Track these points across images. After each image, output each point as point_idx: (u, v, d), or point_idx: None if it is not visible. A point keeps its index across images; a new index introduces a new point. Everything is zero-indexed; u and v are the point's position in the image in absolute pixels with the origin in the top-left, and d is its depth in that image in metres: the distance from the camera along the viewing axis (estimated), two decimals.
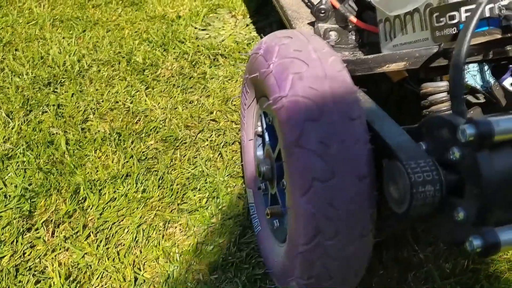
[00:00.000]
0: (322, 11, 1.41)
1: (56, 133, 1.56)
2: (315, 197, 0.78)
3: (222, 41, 2.11)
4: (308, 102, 0.80)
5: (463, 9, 0.94)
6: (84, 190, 1.35)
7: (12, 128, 1.59)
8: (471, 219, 0.69)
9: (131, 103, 1.71)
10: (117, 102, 1.72)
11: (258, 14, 2.30)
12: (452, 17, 0.96)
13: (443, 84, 1.06)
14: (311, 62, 0.85)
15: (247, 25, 2.24)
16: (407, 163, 0.73)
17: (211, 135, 1.58)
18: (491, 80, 1.02)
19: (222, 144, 1.53)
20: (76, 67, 1.89)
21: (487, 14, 0.92)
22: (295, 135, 0.80)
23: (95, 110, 1.68)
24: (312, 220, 0.78)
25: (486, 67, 1.02)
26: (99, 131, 1.58)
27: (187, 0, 2.45)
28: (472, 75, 1.02)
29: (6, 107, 1.68)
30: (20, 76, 1.84)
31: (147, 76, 1.85)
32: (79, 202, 1.33)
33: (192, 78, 1.85)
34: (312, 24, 1.48)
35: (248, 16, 2.32)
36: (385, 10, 1.15)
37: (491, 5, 0.92)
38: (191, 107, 1.70)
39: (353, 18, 1.38)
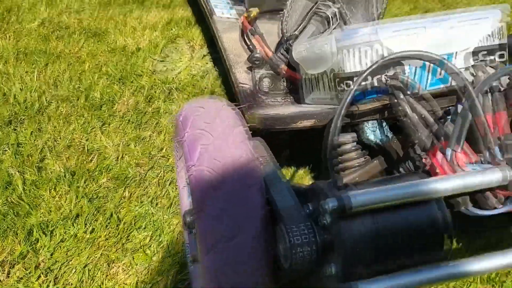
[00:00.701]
0: (257, 60, 1.53)
1: (14, 173, 1.66)
2: (217, 257, 0.90)
3: (179, 73, 2.22)
4: (211, 172, 0.93)
5: (355, 78, 1.08)
6: (37, 231, 1.46)
7: None
8: (338, 274, 0.83)
9: (86, 140, 1.82)
10: (73, 139, 1.83)
11: (214, 44, 2.41)
12: (348, 85, 1.10)
13: (350, 136, 1.20)
14: (217, 134, 0.97)
15: (204, 56, 2.36)
16: (289, 226, 0.86)
17: (160, 172, 1.69)
18: (389, 135, 1.15)
19: (169, 181, 1.65)
20: (36, 104, 1.99)
21: (376, 84, 1.05)
22: (200, 201, 0.92)
23: (52, 148, 1.78)
24: (214, 276, 0.90)
25: (384, 123, 1.16)
26: (54, 170, 1.69)
27: (148, 31, 2.57)
28: (372, 131, 1.15)
29: None
30: None
31: (104, 112, 1.96)
32: (32, 243, 1.44)
33: (146, 114, 1.96)
34: (250, 69, 1.60)
35: (205, 46, 2.44)
36: (304, 68, 1.28)
37: (378, 76, 1.05)
38: (143, 144, 1.81)
39: (283, 67, 1.51)
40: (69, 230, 1.47)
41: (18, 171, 1.67)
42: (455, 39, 1.09)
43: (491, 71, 1.10)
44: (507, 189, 0.93)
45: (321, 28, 1.48)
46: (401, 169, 1.13)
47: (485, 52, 1.11)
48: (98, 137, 1.83)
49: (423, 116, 1.02)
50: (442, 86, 1.10)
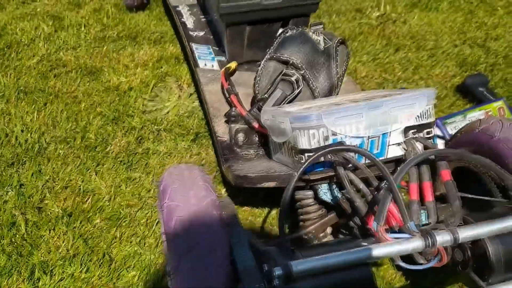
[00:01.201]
0: (232, 117, 1.74)
1: (17, 214, 1.86)
2: None
3: (167, 113, 2.43)
4: (184, 239, 1.13)
5: (306, 154, 1.28)
6: (38, 271, 1.66)
7: None
8: None
9: (82, 181, 2.02)
10: (70, 180, 2.03)
11: None
12: (300, 158, 1.31)
13: (310, 193, 1.41)
14: (190, 207, 1.18)
15: (191, 94, 2.56)
16: (247, 287, 1.07)
17: (148, 212, 1.90)
18: (339, 195, 1.36)
19: (156, 221, 1.86)
20: (36, 146, 2.19)
21: (322, 159, 1.26)
22: (174, 263, 1.13)
23: (51, 189, 1.99)
24: None
25: (334, 186, 1.36)
26: (53, 210, 1.89)
27: (139, 69, 2.77)
28: (324, 192, 1.36)
29: None
30: None
31: (98, 153, 2.17)
32: (35, 282, 1.64)
33: (136, 154, 2.16)
34: (227, 122, 1.81)
35: (192, 85, 2.64)
36: (270, 134, 1.49)
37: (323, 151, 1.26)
38: (133, 185, 2.02)
39: (255, 124, 1.72)
40: (67, 269, 1.67)
41: (21, 212, 1.87)
42: (389, 121, 1.30)
43: (418, 146, 1.31)
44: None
45: (288, 91, 1.66)
46: (351, 223, 1.34)
47: (415, 130, 1.33)
48: (93, 178, 2.03)
49: (360, 187, 1.23)
50: (379, 158, 1.30)
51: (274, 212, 1.90)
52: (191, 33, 2.39)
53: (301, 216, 1.46)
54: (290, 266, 1.01)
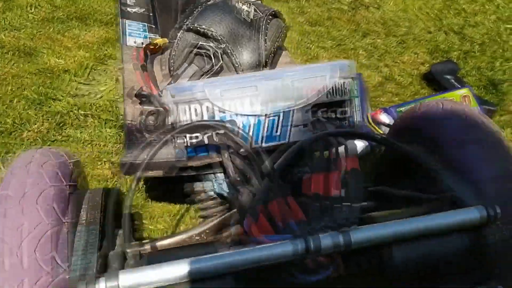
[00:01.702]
0: (143, 97, 1.48)
1: None
2: None
3: (100, 97, 2.20)
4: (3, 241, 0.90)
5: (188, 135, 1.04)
6: None
7: None
8: None
9: None
10: None
11: None
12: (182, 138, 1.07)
13: (202, 185, 1.17)
14: (16, 200, 0.94)
15: None
16: None
17: None
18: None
19: None
20: None
21: (206, 142, 1.03)
22: None
23: None
24: None
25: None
26: None
27: (81, 51, 2.55)
28: (219, 184, 1.13)
29: None
30: None
31: (12, 139, 1.94)
32: None
33: (54, 142, 1.94)
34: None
35: None
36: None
37: (209, 134, 1.02)
38: None
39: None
40: None
41: None
42: (292, 96, 1.06)
43: (330, 127, 1.07)
44: (331, 255, 0.90)
45: (205, 67, 1.44)
46: None
47: (325, 109, 1.08)
48: None
49: (247, 176, 1.00)
50: (279, 142, 1.07)
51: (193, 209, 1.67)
52: (128, 9, 2.15)
53: (201, 213, 1.23)
54: (116, 276, 0.78)
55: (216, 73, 1.43)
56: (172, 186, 1.67)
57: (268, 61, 1.51)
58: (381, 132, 1.84)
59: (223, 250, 0.89)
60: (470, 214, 0.95)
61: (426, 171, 1.06)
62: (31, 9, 2.99)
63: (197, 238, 1.16)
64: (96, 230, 0.97)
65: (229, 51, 1.43)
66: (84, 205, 1.06)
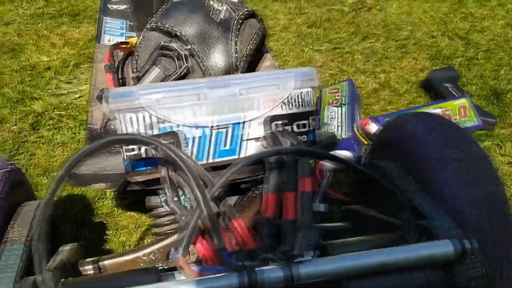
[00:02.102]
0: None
1: None
2: None
3: (79, 97, 2.11)
4: None
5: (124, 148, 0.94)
6: None
7: None
8: None
9: None
10: None
11: None
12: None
13: (156, 199, 1.07)
14: None
15: None
16: None
17: None
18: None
19: None
20: None
21: (144, 155, 0.92)
22: None
23: None
24: None
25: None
26: None
27: (66, 48, 2.46)
28: (163, 200, 1.03)
29: None
30: None
31: None
32: None
33: (25, 143, 1.85)
34: None
35: None
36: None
37: (146, 147, 0.91)
38: None
39: None
40: None
41: None
42: (242, 107, 0.95)
43: (285, 142, 0.95)
44: None
45: (169, 70, 1.32)
46: None
47: (280, 122, 0.96)
48: None
49: (188, 195, 0.88)
50: (228, 158, 0.95)
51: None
52: (109, 6, 2.04)
53: (153, 230, 1.13)
54: None
55: (182, 77, 1.31)
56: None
57: (240, 64, 1.37)
58: (368, 142, 1.72)
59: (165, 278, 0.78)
60: (441, 248, 0.82)
61: (392, 193, 0.94)
62: (23, 4, 2.92)
63: (145, 259, 1.05)
64: (20, 250, 0.87)
65: (195, 53, 1.32)
66: (13, 220, 0.97)
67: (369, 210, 1.05)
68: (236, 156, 0.95)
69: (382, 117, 1.75)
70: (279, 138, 0.94)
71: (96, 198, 1.61)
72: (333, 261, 0.79)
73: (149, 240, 1.48)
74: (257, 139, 0.96)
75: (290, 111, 0.96)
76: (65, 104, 2.04)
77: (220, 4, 1.41)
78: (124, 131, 0.93)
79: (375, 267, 0.80)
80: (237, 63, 1.36)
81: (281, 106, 0.96)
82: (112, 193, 1.65)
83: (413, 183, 1.01)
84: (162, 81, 1.32)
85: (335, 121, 1.79)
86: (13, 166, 1.06)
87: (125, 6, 2.05)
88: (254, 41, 1.42)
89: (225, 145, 0.95)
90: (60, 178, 0.77)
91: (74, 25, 2.71)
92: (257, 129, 0.96)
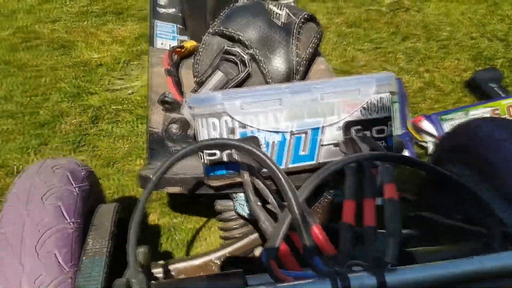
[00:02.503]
0: (167, 104, 1.36)
1: None
2: None
3: (132, 93, 2.18)
4: None
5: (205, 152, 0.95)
6: None
7: None
8: None
9: (19, 161, 1.79)
10: (7, 159, 1.80)
11: None
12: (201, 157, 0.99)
13: (231, 204, 1.09)
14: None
15: None
16: None
17: None
18: None
19: None
20: None
21: (225, 159, 0.93)
22: None
23: None
24: None
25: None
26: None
27: (115, 45, 2.53)
28: (240, 204, 1.05)
29: None
30: None
31: (45, 131, 1.94)
32: None
33: (87, 135, 1.92)
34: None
35: None
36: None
37: (228, 151, 0.92)
38: None
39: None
40: None
41: None
42: (321, 112, 0.94)
43: (364, 147, 0.94)
44: None
45: (231, 74, 1.31)
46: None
47: (359, 127, 0.96)
48: (31, 158, 1.80)
49: (269, 201, 0.88)
50: (306, 163, 0.95)
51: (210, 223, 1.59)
52: (159, 9, 2.04)
53: (221, 233, 1.15)
54: None
55: (243, 81, 1.31)
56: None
57: (301, 68, 1.36)
58: (422, 139, 1.77)
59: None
60: None
61: (476, 199, 0.97)
62: (67, 2, 3.01)
63: (216, 262, 1.08)
64: (102, 261, 0.89)
65: (257, 56, 1.30)
66: (92, 224, 0.99)
67: (442, 218, 1.05)
68: (314, 162, 0.96)
69: (435, 115, 1.79)
70: (358, 143, 0.94)
71: (160, 200, 1.66)
72: (425, 269, 0.78)
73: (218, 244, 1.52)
74: (335, 144, 0.96)
75: (369, 117, 0.96)
76: (120, 99, 2.11)
77: (279, 8, 1.40)
78: (206, 136, 0.92)
79: (467, 276, 0.78)
80: (298, 67, 1.36)
81: (361, 111, 0.95)
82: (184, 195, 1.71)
83: (490, 190, 0.99)
84: (224, 85, 1.31)
85: None
86: (89, 168, 1.10)
87: (173, 10, 2.05)
88: (313, 45, 1.40)
89: (303, 150, 0.96)
90: (152, 185, 0.79)
91: (119, 23, 2.79)
92: (335, 134, 0.96)
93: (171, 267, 1.05)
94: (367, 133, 0.96)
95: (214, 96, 0.91)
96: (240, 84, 1.28)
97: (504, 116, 1.83)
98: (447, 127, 1.77)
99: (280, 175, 0.80)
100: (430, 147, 1.74)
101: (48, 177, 0.96)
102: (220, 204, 1.11)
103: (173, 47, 1.52)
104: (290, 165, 0.94)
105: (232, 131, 0.92)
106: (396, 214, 0.83)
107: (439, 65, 2.35)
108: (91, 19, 2.83)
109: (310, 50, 1.37)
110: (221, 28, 1.32)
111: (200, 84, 1.32)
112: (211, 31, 1.35)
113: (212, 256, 1.07)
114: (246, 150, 0.83)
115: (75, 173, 1.02)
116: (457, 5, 2.93)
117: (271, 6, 1.35)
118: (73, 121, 1.99)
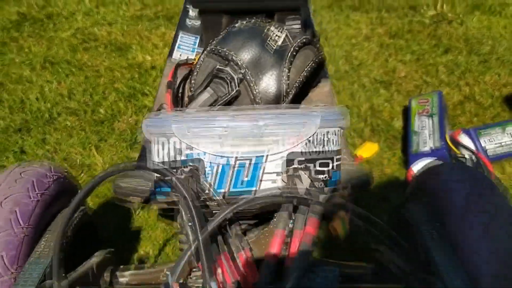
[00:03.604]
0: None
1: None
2: None
3: None
4: None
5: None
6: None
7: None
8: None
9: (81, 155, 1.96)
10: (70, 153, 1.98)
11: None
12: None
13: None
14: None
15: None
16: None
17: None
18: None
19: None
20: (46, 115, 2.16)
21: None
22: None
23: (50, 159, 1.94)
24: None
25: None
26: None
27: (167, 50, 2.68)
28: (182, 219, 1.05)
29: None
30: None
31: (104, 128, 2.10)
32: None
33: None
34: None
35: None
36: None
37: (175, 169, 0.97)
38: None
39: None
40: None
41: None
42: (266, 142, 0.97)
43: (305, 180, 0.97)
44: None
45: (221, 93, 1.33)
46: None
47: (302, 159, 0.97)
48: (92, 153, 1.97)
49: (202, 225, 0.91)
50: (247, 189, 0.98)
51: None
52: (188, 21, 2.10)
53: (179, 245, 1.16)
54: None
55: (232, 100, 1.33)
56: None
57: (292, 92, 1.37)
58: (459, 153, 1.83)
59: None
60: None
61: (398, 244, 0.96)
62: (122, 6, 3.19)
63: (167, 273, 1.11)
64: (46, 264, 0.94)
65: (248, 77, 1.32)
66: (49, 229, 1.06)
67: (384, 256, 1.03)
68: (254, 188, 0.98)
69: (473, 130, 1.86)
70: (299, 175, 0.96)
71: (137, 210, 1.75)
72: None
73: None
74: (277, 173, 0.97)
75: (313, 150, 0.97)
76: None
77: (280, 31, 1.40)
78: (157, 153, 0.97)
79: None
80: (288, 90, 1.36)
81: (305, 143, 0.97)
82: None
83: (438, 233, 0.99)
84: (213, 102, 1.34)
85: (426, 130, 1.92)
86: (60, 175, 1.16)
87: (199, 23, 2.09)
88: (309, 69, 1.40)
89: (246, 176, 0.97)
90: (78, 200, 0.88)
91: (171, 27, 2.94)
92: (278, 164, 0.97)
93: (121, 273, 1.11)
94: (311, 166, 0.97)
95: (165, 118, 0.96)
96: (229, 103, 1.31)
97: None
98: (484, 142, 1.83)
99: (190, 204, 0.84)
100: (468, 161, 1.80)
101: (13, 183, 1.03)
102: (179, 217, 1.11)
103: (181, 60, 1.57)
104: (232, 190, 0.96)
105: (179, 152, 0.96)
106: (305, 249, 0.86)
107: (479, 79, 2.40)
108: (144, 23, 2.99)
109: (305, 74, 1.38)
110: (217, 47, 1.35)
111: (191, 99, 1.34)
112: (208, 49, 1.38)
113: (164, 267, 1.13)
114: (162, 174, 0.88)
115: (42, 180, 1.08)
116: (499, 19, 2.96)
117: (272, 29, 1.37)
118: (129, 120, 2.15)
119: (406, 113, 2.15)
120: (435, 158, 1.80)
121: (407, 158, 1.89)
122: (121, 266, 1.11)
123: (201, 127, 0.95)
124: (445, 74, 2.46)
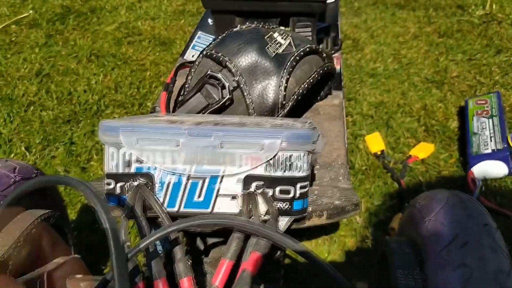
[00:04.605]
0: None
1: (60, 171, 1.82)
2: None
3: None
4: None
5: (106, 180, 0.92)
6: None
7: (28, 161, 1.87)
8: None
9: None
10: None
11: None
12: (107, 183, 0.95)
13: None
14: None
15: None
16: None
17: None
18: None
19: None
20: (95, 107, 2.16)
21: (118, 191, 0.90)
22: None
23: (98, 152, 1.93)
24: None
25: None
26: (97, 172, 1.83)
27: None
28: None
29: (27, 140, 1.97)
30: (47, 111, 2.13)
31: None
32: None
33: None
34: None
35: None
36: None
37: (120, 184, 0.89)
38: None
39: None
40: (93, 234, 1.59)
41: (65, 169, 1.83)
42: (222, 160, 0.87)
43: (262, 205, 0.87)
44: None
45: (212, 99, 1.24)
46: None
47: (260, 183, 0.87)
48: None
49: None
50: (200, 210, 0.89)
51: None
52: (209, 20, 2.03)
53: None
54: None
55: (224, 107, 1.24)
56: None
57: (289, 103, 1.26)
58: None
59: None
60: None
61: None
62: (164, 1, 3.18)
63: None
64: None
65: (242, 85, 1.22)
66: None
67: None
68: (208, 210, 0.89)
69: None
70: (256, 201, 0.86)
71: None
72: None
73: None
74: (233, 196, 0.88)
75: (273, 174, 0.86)
76: None
77: (284, 37, 1.30)
78: (108, 162, 0.90)
79: None
80: (284, 102, 1.25)
81: (265, 166, 0.86)
82: None
83: (415, 277, 0.86)
84: (203, 109, 1.26)
85: (486, 131, 1.84)
86: (27, 176, 1.07)
87: None
88: (311, 80, 1.29)
89: (198, 197, 0.88)
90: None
91: None
92: (234, 186, 0.87)
93: (76, 283, 1.03)
94: (269, 191, 0.87)
95: (115, 126, 0.87)
96: (220, 110, 1.23)
97: None
98: None
99: (109, 232, 0.71)
100: None
101: None
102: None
103: (182, 62, 1.48)
104: (183, 210, 0.88)
105: (128, 164, 0.87)
106: (243, 285, 0.79)
107: None
108: (187, 18, 2.98)
109: (306, 86, 1.27)
110: (213, 51, 1.26)
111: (182, 103, 1.27)
112: (204, 52, 1.29)
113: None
114: (82, 190, 0.74)
115: (1, 179, 1.01)
116: None
117: (275, 34, 1.28)
118: None
119: (462, 113, 2.08)
120: (497, 159, 1.73)
121: (466, 159, 1.82)
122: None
123: (152, 139, 0.85)
124: (500, 75, 2.38)
